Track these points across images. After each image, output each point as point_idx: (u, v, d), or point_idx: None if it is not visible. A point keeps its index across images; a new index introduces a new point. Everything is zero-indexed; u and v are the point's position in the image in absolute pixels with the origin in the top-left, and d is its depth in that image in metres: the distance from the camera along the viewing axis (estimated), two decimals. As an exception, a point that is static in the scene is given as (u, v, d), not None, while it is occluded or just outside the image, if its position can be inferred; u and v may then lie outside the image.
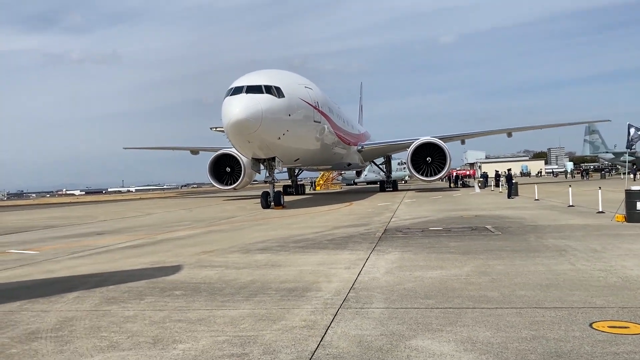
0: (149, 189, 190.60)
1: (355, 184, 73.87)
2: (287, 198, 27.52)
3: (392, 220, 14.94)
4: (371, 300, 5.42)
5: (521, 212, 15.98)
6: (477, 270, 6.85)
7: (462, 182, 45.82)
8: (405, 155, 36.49)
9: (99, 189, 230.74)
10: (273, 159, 23.57)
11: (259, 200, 24.02)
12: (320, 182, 60.10)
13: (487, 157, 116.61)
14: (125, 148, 51.32)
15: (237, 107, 20.63)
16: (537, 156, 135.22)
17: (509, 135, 46.12)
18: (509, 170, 26.21)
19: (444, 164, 35.23)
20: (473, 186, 43.80)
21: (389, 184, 43.03)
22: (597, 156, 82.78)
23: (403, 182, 64.90)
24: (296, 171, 44.29)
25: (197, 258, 9.14)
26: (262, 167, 24.32)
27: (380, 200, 27.00)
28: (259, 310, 5.27)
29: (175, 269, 8.16)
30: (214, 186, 38.67)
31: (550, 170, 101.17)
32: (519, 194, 25.26)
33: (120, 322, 5.07)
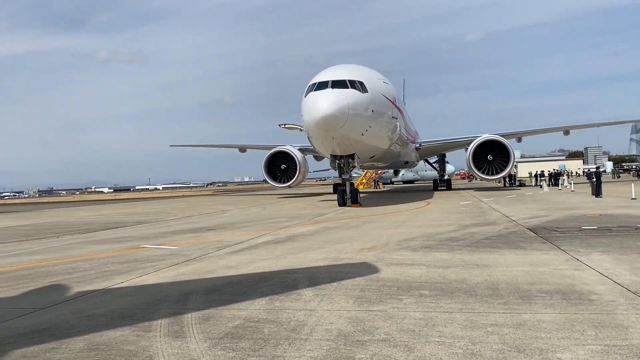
0: (176, 187, 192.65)
1: (392, 182, 73.02)
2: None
3: (513, 219, 14.24)
4: (689, 306, 4.83)
5: (646, 211, 15.11)
6: None
7: (519, 181, 44.60)
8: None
9: (126, 186, 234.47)
10: (352, 156, 23.12)
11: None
12: (364, 180, 59.15)
13: (522, 157, 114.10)
14: (172, 145, 51.64)
15: (325, 102, 20.16)
16: (573, 155, 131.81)
17: (566, 133, 44.77)
18: (598, 167, 25.17)
19: (507, 163, 34.38)
20: (531, 185, 42.77)
21: (442, 183, 42.21)
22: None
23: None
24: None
25: (371, 255, 8.65)
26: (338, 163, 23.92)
27: (452, 199, 26.30)
28: (567, 314, 4.72)
29: (368, 266, 7.69)
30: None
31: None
32: (602, 193, 24.27)
33: (423, 325, 4.57)
